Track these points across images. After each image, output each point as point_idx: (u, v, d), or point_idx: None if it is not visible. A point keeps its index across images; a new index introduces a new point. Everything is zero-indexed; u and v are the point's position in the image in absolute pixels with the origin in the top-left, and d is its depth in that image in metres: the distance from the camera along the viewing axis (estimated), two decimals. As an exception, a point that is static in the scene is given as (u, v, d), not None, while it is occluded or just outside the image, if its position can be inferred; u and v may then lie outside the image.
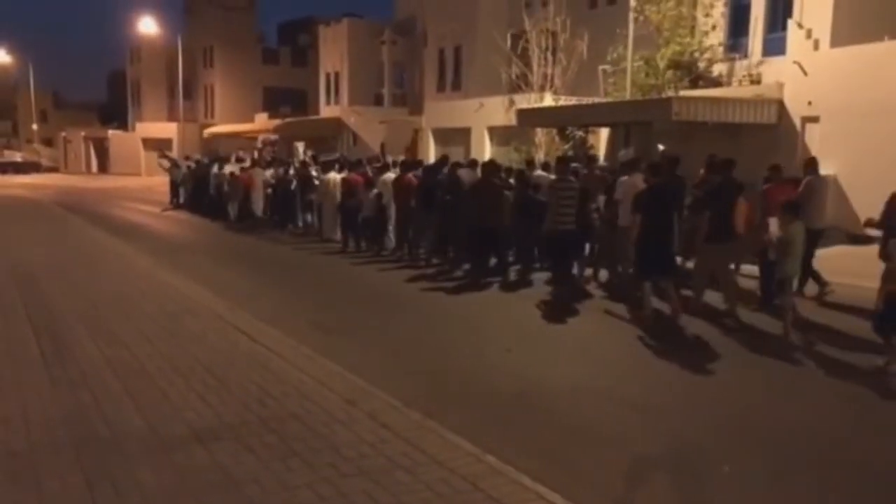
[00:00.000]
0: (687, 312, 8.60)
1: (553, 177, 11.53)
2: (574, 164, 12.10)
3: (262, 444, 4.73)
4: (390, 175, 14.15)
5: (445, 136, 28.60)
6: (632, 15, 19.24)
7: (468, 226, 11.44)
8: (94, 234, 16.67)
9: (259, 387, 5.83)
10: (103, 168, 57.78)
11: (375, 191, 14.04)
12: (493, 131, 25.67)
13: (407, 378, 6.47)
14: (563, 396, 6.14)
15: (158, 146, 47.07)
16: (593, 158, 13.93)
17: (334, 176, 15.67)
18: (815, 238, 9.47)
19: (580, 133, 20.88)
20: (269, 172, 19.62)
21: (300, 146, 28.85)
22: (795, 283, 8.67)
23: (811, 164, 10.75)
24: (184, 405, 5.41)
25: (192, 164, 24.98)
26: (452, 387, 6.36)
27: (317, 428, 4.99)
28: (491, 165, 12.36)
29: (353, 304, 9.95)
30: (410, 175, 13.52)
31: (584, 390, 6.30)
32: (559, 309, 9.49)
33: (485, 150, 24.94)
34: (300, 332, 7.68)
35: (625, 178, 10.58)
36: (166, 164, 26.43)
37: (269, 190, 19.03)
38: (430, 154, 27.70)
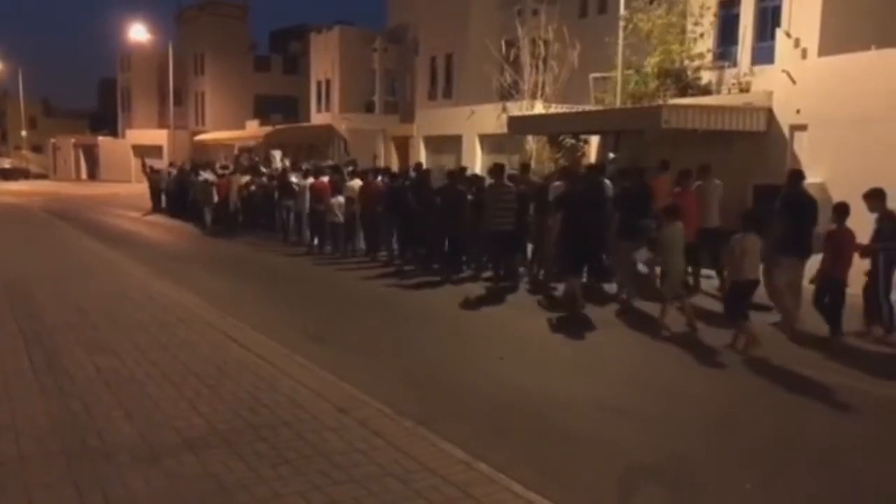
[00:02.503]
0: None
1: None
2: (512, 171, 13.08)
3: (253, 451, 4.72)
4: (357, 182, 14.79)
5: (437, 144, 28.64)
6: (621, 23, 19.37)
7: (436, 228, 12.21)
8: (82, 241, 16.60)
9: (250, 395, 5.82)
10: (93, 175, 57.45)
11: (343, 196, 14.57)
12: (485, 139, 25.70)
13: (398, 385, 6.47)
14: (553, 403, 6.14)
15: (147, 153, 46.96)
16: (526, 166, 14.26)
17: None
18: (710, 236, 10.37)
19: (571, 140, 20.96)
20: (244, 179, 19.98)
21: (277, 154, 29.12)
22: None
23: (704, 170, 11.40)
24: (175, 413, 5.39)
25: (174, 171, 25.64)
26: (443, 394, 6.37)
27: (308, 436, 4.98)
28: (457, 171, 13.22)
29: (337, 308, 10.10)
30: (378, 181, 14.14)
31: (574, 397, 6.31)
32: (538, 313, 9.65)
33: (476, 158, 24.98)
34: (290, 340, 7.67)
35: (557, 183, 11.23)
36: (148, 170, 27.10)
37: (246, 193, 19.35)
38: (422, 162, 27.73)
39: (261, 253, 15.62)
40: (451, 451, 4.79)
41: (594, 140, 20.80)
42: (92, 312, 8.74)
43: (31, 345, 7.26)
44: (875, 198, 8.31)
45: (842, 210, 8.13)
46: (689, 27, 19.64)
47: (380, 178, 14.57)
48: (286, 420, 5.27)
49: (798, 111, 15.54)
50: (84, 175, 58.67)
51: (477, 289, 11.23)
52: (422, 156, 29.16)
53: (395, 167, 25.43)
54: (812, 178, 14.95)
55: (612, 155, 16.96)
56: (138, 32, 45.89)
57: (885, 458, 5.27)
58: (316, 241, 15.44)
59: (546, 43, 22.69)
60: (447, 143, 27.53)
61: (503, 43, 24.61)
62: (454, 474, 4.43)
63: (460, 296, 10.66)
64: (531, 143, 22.19)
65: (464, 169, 14.13)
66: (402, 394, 6.16)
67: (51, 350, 7.08)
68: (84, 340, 7.43)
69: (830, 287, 8.05)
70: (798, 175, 8.83)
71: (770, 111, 16.07)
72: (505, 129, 20.93)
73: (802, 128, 15.58)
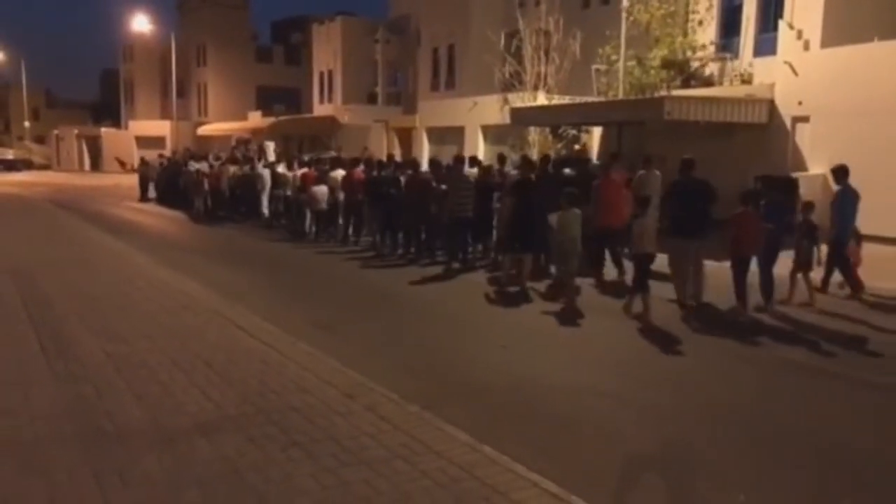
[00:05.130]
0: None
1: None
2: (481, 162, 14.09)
3: (264, 435, 4.84)
4: (340, 171, 15.49)
5: (439, 135, 28.69)
6: (624, 14, 19.40)
7: (412, 216, 12.88)
8: (86, 231, 16.72)
9: (259, 381, 5.93)
10: (96, 166, 57.56)
11: (325, 185, 15.34)
12: (487, 130, 25.76)
13: (403, 372, 6.58)
14: (555, 389, 6.26)
15: (150, 144, 47.11)
16: (502, 158, 14.64)
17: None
18: None
19: (573, 132, 21.01)
20: (232, 169, 20.67)
21: (271, 145, 29.64)
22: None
23: (646, 160, 12.44)
24: (185, 398, 5.51)
25: (164, 162, 26.44)
26: (447, 381, 6.47)
27: (317, 420, 5.10)
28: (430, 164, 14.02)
29: (331, 296, 10.38)
30: (359, 171, 14.75)
31: (574, 382, 6.43)
32: (530, 301, 9.87)
33: (478, 149, 25.05)
34: (294, 327, 7.78)
35: (514, 172, 12.49)
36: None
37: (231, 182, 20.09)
38: (424, 153, 27.80)
39: (251, 240, 16.32)
40: (456, 434, 4.91)
41: (596, 131, 20.86)
42: (99, 301, 8.85)
43: (41, 332, 7.37)
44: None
45: (747, 196, 9.19)
46: (691, 17, 19.68)
47: (360, 167, 15.01)
48: (295, 405, 5.38)
49: (800, 103, 15.59)
50: (87, 166, 58.78)
51: (449, 274, 11.72)
52: (424, 147, 29.22)
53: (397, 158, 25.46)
54: (814, 170, 15.07)
55: (576, 146, 19.03)
56: (140, 23, 45.92)
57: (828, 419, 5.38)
58: (301, 226, 16.24)
59: (547, 34, 22.71)
60: (450, 134, 27.59)
61: (505, 34, 24.65)
62: (459, 456, 4.55)
63: (437, 280, 11.19)
64: (533, 134, 22.24)
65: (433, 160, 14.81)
66: (407, 380, 6.26)
67: (61, 337, 7.19)
68: (93, 328, 7.54)
69: (740, 263, 8.91)
70: (689, 163, 9.56)
71: (772, 103, 16.12)
72: (507, 121, 20.99)
73: (804, 119, 15.65)
